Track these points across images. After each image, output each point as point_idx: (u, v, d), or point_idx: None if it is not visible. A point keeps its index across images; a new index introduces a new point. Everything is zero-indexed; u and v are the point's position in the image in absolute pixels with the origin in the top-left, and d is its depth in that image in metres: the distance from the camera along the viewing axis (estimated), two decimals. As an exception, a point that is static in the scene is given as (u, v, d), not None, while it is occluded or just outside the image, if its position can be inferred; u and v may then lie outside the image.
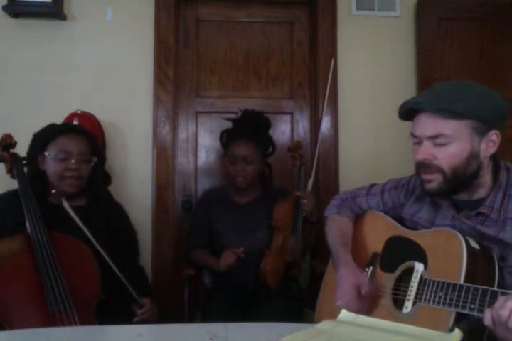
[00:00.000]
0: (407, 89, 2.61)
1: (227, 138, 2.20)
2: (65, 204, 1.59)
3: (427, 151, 1.21)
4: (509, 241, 1.20)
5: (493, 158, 1.27)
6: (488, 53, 2.64)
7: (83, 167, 1.73)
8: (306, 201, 2.03)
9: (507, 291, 1.01)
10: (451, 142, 1.18)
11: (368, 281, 1.32)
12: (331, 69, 2.29)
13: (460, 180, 1.22)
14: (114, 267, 1.59)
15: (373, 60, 2.65)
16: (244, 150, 2.12)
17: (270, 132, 2.26)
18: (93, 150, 1.78)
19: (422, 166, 1.24)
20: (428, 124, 1.20)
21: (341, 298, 1.30)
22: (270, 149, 2.22)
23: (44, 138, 1.75)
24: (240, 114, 2.24)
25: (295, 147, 2.17)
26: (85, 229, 1.58)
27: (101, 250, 1.59)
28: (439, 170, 1.21)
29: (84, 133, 1.81)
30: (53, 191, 1.70)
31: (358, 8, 2.65)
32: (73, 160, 1.70)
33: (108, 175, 1.90)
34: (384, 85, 2.64)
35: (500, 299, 0.98)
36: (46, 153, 1.71)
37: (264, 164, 2.23)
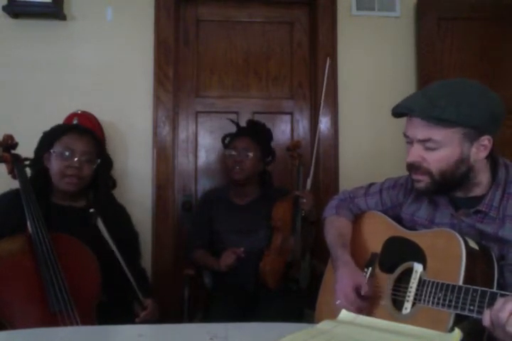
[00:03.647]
0: (407, 89, 2.60)
1: (229, 140, 2.22)
2: (100, 223, 1.58)
3: (416, 154, 1.23)
4: (508, 238, 1.20)
5: (491, 155, 1.27)
6: (488, 53, 2.63)
7: (85, 167, 1.73)
8: (305, 200, 2.04)
9: (506, 293, 1.01)
10: (440, 147, 1.19)
11: (368, 281, 1.32)
12: (327, 68, 2.29)
13: (448, 182, 1.23)
14: (125, 268, 1.59)
15: (373, 60, 2.65)
16: (244, 144, 2.16)
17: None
18: (98, 152, 1.78)
19: (412, 167, 1.26)
20: (419, 128, 1.20)
21: (341, 298, 1.30)
22: (270, 158, 2.24)
23: (51, 136, 1.77)
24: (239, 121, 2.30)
25: (293, 146, 2.18)
26: (111, 243, 1.57)
27: (116, 251, 1.58)
28: (428, 172, 1.23)
29: (91, 134, 1.82)
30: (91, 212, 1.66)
31: (358, 8, 2.65)
32: (76, 159, 1.71)
33: (113, 179, 1.90)
34: (384, 85, 2.64)
35: (500, 301, 0.98)
36: (52, 151, 1.73)
37: (263, 168, 2.23)
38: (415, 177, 1.27)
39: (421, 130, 1.20)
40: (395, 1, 2.66)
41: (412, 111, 1.20)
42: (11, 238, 1.57)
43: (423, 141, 1.20)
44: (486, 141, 1.20)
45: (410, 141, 1.25)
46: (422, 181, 1.25)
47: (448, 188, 1.26)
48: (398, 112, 1.25)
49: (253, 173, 2.19)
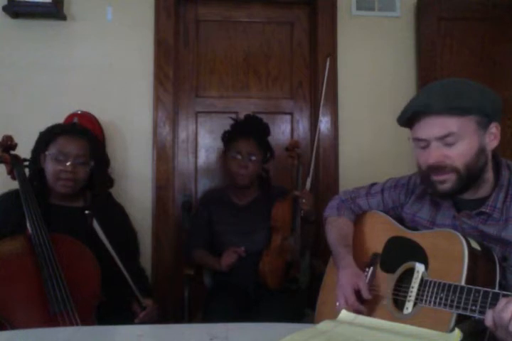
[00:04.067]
0: (407, 89, 2.61)
1: (230, 138, 2.21)
2: (96, 225, 1.56)
3: (437, 153, 1.21)
4: (511, 240, 1.20)
5: (494, 155, 1.27)
6: (488, 53, 2.64)
7: (79, 170, 1.73)
8: (304, 200, 2.03)
9: (508, 293, 1.01)
10: (460, 140, 1.19)
11: (369, 283, 1.32)
12: (327, 68, 2.28)
13: (472, 176, 1.22)
14: (122, 268, 1.58)
15: (373, 60, 2.65)
16: (248, 148, 2.13)
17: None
18: (92, 154, 1.77)
19: (434, 169, 1.22)
20: (436, 125, 1.19)
21: (341, 301, 1.30)
22: (269, 155, 2.23)
23: (47, 137, 1.76)
24: (240, 118, 2.26)
25: (292, 146, 2.17)
26: (107, 244, 1.56)
27: (113, 252, 1.57)
28: (454, 169, 1.20)
29: (86, 135, 1.80)
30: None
31: (358, 8, 2.65)
32: (69, 163, 1.71)
33: (111, 178, 1.90)
34: (384, 85, 2.64)
35: (502, 301, 0.98)
36: (47, 152, 1.73)
37: (262, 168, 2.23)
38: (439, 178, 1.22)
39: (438, 126, 1.19)
40: (394, 1, 2.66)
41: (429, 106, 1.19)
42: (11, 238, 1.57)
43: (442, 138, 1.19)
44: (494, 128, 1.22)
45: (426, 144, 1.22)
46: (448, 181, 1.22)
47: (470, 185, 1.24)
48: (411, 113, 1.23)
49: (256, 175, 2.19)
